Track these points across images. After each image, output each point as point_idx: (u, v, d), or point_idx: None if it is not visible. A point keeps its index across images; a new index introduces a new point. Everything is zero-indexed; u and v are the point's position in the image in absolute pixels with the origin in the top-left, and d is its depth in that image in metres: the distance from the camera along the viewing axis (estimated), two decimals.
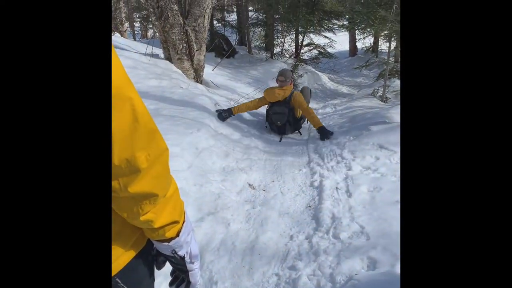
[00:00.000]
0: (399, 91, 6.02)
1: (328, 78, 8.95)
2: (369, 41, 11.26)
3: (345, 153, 3.46)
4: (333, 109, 5.85)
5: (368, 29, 8.54)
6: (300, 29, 9.32)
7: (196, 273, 0.87)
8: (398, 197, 2.56)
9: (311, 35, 9.78)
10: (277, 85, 4.54)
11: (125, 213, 0.70)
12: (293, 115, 4.43)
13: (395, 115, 4.13)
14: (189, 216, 0.83)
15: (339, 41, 10.78)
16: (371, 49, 10.88)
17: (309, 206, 2.70)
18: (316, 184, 3.01)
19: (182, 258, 0.83)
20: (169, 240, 0.79)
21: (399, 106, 4.64)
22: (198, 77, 5.54)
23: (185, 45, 5.28)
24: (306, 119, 4.66)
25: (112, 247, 0.72)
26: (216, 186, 2.80)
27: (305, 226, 2.43)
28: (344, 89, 8.53)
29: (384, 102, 5.93)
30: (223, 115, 4.25)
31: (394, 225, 2.23)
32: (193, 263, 0.85)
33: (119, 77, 0.59)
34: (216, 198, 2.66)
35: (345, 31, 10.96)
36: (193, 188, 2.63)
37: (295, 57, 9.42)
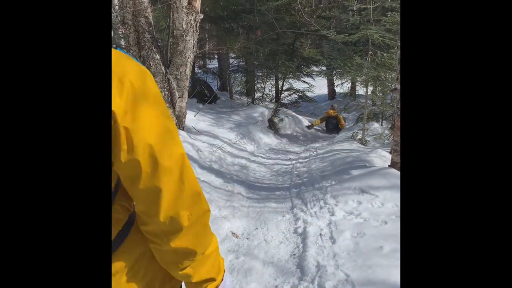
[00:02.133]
0: (378, 134, 6.19)
1: (309, 122, 9.15)
2: (346, 85, 11.65)
3: (328, 198, 3.48)
4: (315, 152, 5.94)
5: (346, 75, 8.88)
6: (279, 75, 9.61)
7: None
8: (381, 242, 2.56)
9: (291, 80, 10.09)
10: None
11: (165, 265, 0.77)
12: (337, 124, 8.72)
13: (375, 158, 4.22)
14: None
15: (318, 85, 11.12)
16: (349, 93, 11.24)
17: (294, 254, 2.66)
18: (300, 230, 2.99)
19: None
20: None
21: (378, 150, 4.75)
22: (180, 124, 5.58)
23: (167, 92, 5.35)
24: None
25: None
26: None
27: (290, 276, 2.38)
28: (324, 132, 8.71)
29: (363, 145, 6.06)
30: (309, 128, 9.20)
31: (378, 272, 2.22)
32: None
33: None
34: None
35: (323, 77, 11.34)
36: None
37: (275, 102, 9.64)
